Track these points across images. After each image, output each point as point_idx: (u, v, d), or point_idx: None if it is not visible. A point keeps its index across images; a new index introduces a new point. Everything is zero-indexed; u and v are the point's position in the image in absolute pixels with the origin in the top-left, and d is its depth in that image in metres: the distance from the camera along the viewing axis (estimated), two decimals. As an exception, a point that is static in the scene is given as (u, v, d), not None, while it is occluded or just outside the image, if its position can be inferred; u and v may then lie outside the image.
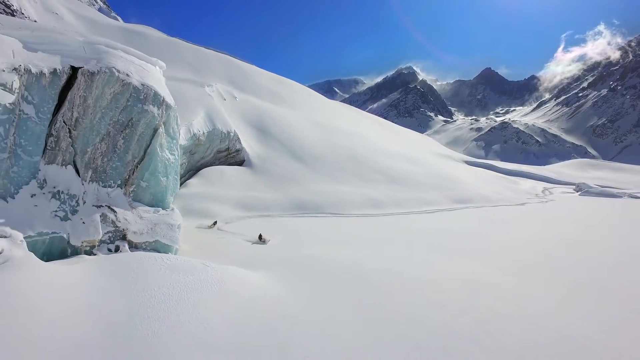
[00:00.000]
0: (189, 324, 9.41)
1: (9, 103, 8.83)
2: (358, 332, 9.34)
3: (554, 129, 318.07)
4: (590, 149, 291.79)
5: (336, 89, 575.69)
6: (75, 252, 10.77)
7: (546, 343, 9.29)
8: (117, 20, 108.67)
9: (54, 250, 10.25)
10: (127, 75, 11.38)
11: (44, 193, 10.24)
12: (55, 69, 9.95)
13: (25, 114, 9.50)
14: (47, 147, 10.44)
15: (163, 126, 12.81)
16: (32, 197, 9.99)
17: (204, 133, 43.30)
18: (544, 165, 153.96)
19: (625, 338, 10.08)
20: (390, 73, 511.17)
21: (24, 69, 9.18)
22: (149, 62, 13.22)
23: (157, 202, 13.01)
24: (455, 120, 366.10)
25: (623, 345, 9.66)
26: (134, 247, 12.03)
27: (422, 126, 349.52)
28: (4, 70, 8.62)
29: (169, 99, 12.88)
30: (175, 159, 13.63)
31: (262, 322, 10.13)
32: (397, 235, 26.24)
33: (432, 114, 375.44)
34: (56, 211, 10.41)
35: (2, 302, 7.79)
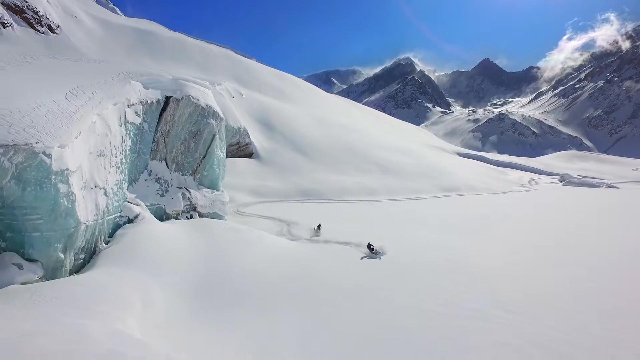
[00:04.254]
0: (245, 260, 15.50)
1: (137, 123, 14.58)
2: (354, 266, 15.55)
3: (550, 121, 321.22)
4: (585, 141, 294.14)
5: (334, 80, 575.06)
6: (168, 217, 16.70)
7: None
8: (116, 11, 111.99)
9: (156, 215, 16.14)
10: (197, 99, 17.15)
11: (151, 179, 16.07)
12: (158, 99, 15.71)
13: (144, 129, 15.27)
14: (152, 149, 16.21)
15: (218, 133, 18.61)
16: (145, 181, 15.82)
17: (218, 129, 49.01)
18: (540, 156, 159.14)
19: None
20: (388, 64, 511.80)
21: (145, 101, 14.90)
22: (205, 87, 18.94)
23: (213, 186, 18.92)
24: (453, 112, 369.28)
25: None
26: (200, 216, 17.96)
27: (419, 117, 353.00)
28: (136, 104, 14.34)
29: (221, 114, 18.68)
30: (224, 155, 19.47)
31: (290, 262, 16.29)
32: (388, 216, 32.43)
33: (429, 105, 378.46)
34: (157, 190, 16.26)
35: (146, 237, 13.76)
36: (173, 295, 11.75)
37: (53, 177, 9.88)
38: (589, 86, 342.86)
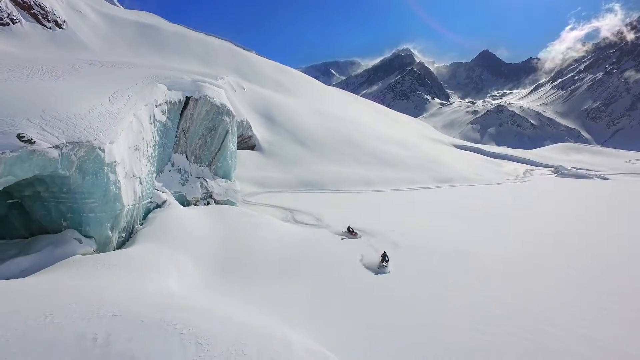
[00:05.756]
0: (257, 240, 17.81)
1: (163, 121, 16.73)
2: (352, 246, 17.88)
3: (549, 112, 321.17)
4: (583, 132, 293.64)
5: (333, 71, 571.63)
6: (189, 204, 18.97)
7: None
8: (114, 2, 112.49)
9: (179, 202, 18.38)
10: (213, 99, 19.28)
11: (174, 169, 18.29)
12: (180, 99, 17.83)
13: (168, 126, 17.42)
14: (174, 144, 18.38)
15: (230, 129, 20.78)
16: (169, 171, 18.03)
17: (223, 122, 51.02)
18: (538, 148, 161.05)
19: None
20: (387, 55, 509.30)
21: (169, 101, 17.03)
22: (219, 86, 21.04)
23: (226, 176, 21.16)
24: (451, 103, 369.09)
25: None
26: (216, 202, 20.23)
27: (418, 109, 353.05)
28: (162, 104, 16.47)
29: (233, 111, 20.82)
30: (235, 148, 21.68)
31: (296, 242, 18.63)
32: (384, 204, 34.80)
33: (428, 97, 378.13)
34: (179, 180, 18.49)
35: (174, 220, 16.02)
36: (200, 266, 14.08)
37: (105, 168, 12.08)
38: (587, 78, 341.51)
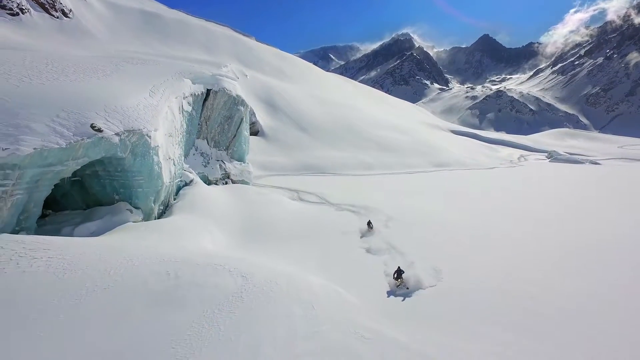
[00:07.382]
0: (271, 214, 20.63)
1: (189, 111, 19.31)
2: (352, 220, 20.69)
3: (548, 98, 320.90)
4: (582, 118, 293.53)
5: (332, 56, 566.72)
6: (210, 183, 21.73)
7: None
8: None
9: (203, 181, 21.08)
10: (230, 91, 21.82)
11: (197, 153, 20.98)
12: (202, 92, 20.38)
13: (193, 115, 20.01)
14: (197, 130, 20.99)
15: (244, 117, 23.36)
16: (193, 155, 20.72)
17: (228, 109, 53.29)
18: (537, 133, 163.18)
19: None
20: (387, 40, 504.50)
21: (194, 94, 19.58)
22: (233, 79, 23.54)
23: (241, 159, 23.90)
24: (450, 89, 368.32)
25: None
26: (233, 182, 22.98)
27: (417, 94, 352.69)
28: (188, 96, 19.03)
29: (247, 102, 23.36)
30: (248, 134, 24.32)
31: (304, 216, 21.41)
32: (382, 187, 37.59)
33: (427, 82, 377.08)
34: (202, 162, 21.20)
35: (200, 196, 18.80)
36: (227, 233, 16.94)
37: (151, 151, 14.74)
38: (588, 63, 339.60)
